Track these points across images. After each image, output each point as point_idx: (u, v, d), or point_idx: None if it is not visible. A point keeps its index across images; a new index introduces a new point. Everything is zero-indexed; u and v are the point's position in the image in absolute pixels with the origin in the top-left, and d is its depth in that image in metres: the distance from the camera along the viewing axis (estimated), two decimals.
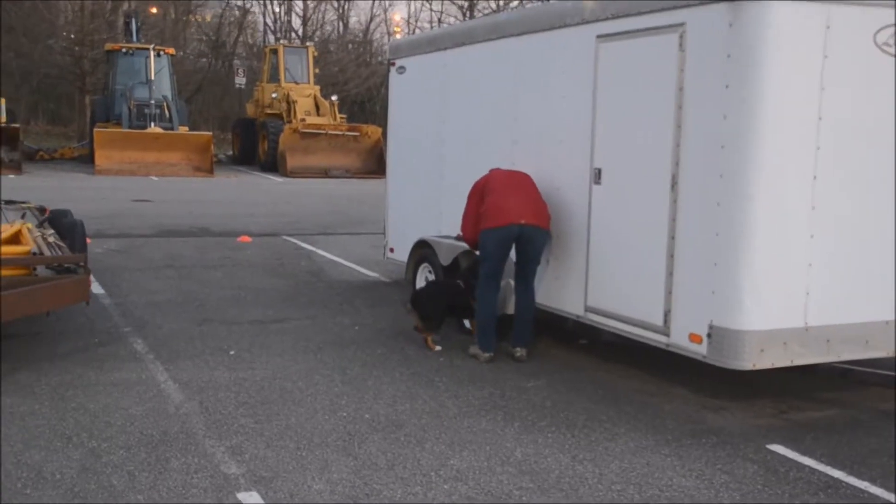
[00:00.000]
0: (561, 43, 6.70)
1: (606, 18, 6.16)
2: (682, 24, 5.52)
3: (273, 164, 26.73)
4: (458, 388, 6.01)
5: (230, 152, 32.01)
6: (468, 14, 40.99)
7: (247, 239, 12.73)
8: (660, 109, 5.71)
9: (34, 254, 6.44)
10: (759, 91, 5.13)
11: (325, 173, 26.04)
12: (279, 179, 25.07)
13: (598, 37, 6.25)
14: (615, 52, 6.13)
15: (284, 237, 13.20)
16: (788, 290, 5.33)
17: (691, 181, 5.54)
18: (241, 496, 4.20)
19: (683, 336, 5.59)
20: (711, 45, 5.32)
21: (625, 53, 6.06)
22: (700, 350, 5.47)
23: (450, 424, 5.30)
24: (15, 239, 6.96)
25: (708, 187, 5.39)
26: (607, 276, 6.28)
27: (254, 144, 29.14)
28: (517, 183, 6.74)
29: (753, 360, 5.26)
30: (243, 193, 20.54)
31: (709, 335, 5.38)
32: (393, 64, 9.42)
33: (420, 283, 8.27)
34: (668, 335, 5.73)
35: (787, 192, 5.26)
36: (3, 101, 25.56)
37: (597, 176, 6.33)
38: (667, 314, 5.71)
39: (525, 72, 7.15)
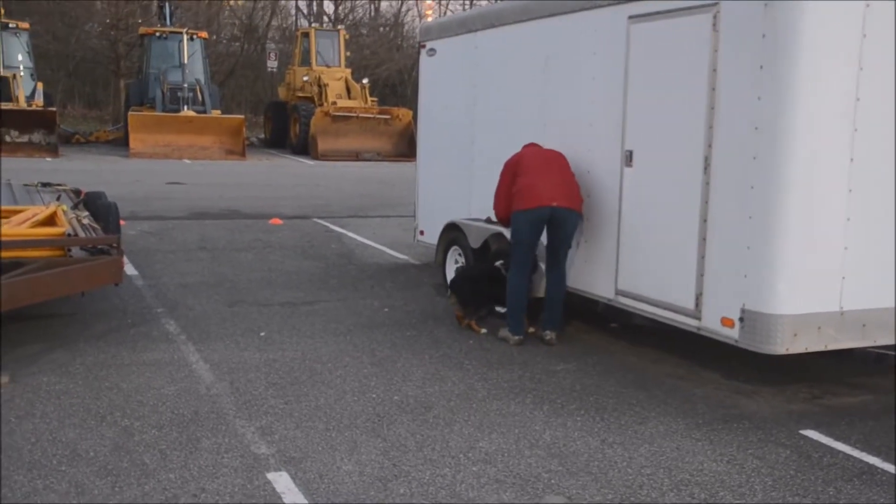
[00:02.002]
0: (592, 24, 6.62)
1: None
2: (716, 4, 5.42)
3: (304, 147, 26.83)
4: (488, 371, 6.00)
5: (262, 135, 32.15)
6: None
7: (278, 221, 12.80)
8: (692, 91, 5.62)
9: (69, 235, 6.53)
10: (794, 72, 5.03)
11: (355, 156, 26.10)
12: (310, 162, 25.17)
13: (630, 17, 6.16)
14: (647, 33, 6.05)
15: (315, 220, 13.26)
16: (823, 273, 5.24)
17: (724, 163, 5.45)
18: (270, 476, 4.24)
19: (715, 320, 5.53)
20: (746, 26, 5.22)
21: (657, 34, 5.97)
22: (732, 334, 5.41)
23: (479, 407, 5.30)
24: (50, 220, 7.05)
25: (741, 170, 5.30)
26: (638, 260, 6.23)
27: (285, 127, 29.26)
28: (550, 163, 6.68)
29: (787, 344, 5.19)
30: (275, 176, 20.64)
31: (741, 319, 5.32)
32: (423, 46, 9.38)
33: (450, 266, 8.27)
34: (699, 319, 5.67)
35: (823, 174, 5.16)
36: (41, 84, 25.91)
37: (628, 158, 6.26)
38: (698, 298, 5.65)
39: (555, 53, 7.09)
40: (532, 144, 6.96)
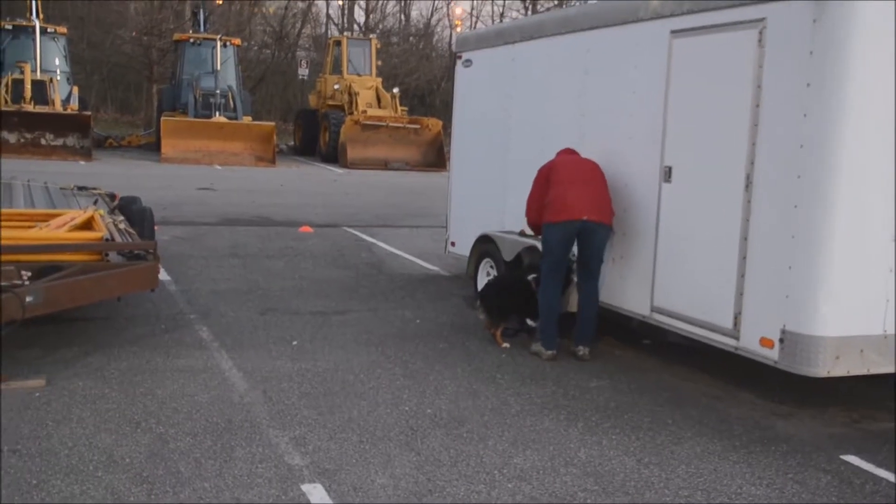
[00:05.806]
0: (633, 38, 6.58)
1: (682, 13, 6.02)
2: (762, 20, 5.35)
3: (334, 155, 26.94)
4: (521, 386, 5.95)
5: (292, 143, 32.32)
6: (531, 9, 40.70)
7: (308, 229, 12.83)
8: (735, 107, 5.56)
9: (107, 240, 6.57)
10: (842, 90, 4.96)
11: (384, 165, 26.15)
12: (339, 170, 25.25)
13: (673, 32, 6.11)
14: (690, 48, 5.99)
15: (345, 228, 13.28)
16: (867, 296, 5.15)
17: (767, 181, 5.38)
18: (305, 487, 4.22)
19: (754, 340, 5.45)
20: (793, 42, 5.15)
21: (700, 49, 5.91)
22: (771, 355, 5.32)
23: (512, 422, 5.25)
24: (88, 225, 7.11)
25: (785, 188, 5.23)
26: (675, 277, 6.15)
27: (315, 135, 29.38)
28: (583, 174, 6.64)
29: (828, 367, 5.10)
30: (304, 184, 20.73)
31: (781, 340, 5.23)
32: (459, 57, 9.37)
33: (482, 278, 8.23)
34: (737, 338, 5.59)
35: (869, 194, 5.07)
36: (76, 88, 26.23)
37: (667, 174, 6.20)
38: (737, 317, 5.57)
39: (594, 67, 7.04)
40: (567, 151, 6.92)
